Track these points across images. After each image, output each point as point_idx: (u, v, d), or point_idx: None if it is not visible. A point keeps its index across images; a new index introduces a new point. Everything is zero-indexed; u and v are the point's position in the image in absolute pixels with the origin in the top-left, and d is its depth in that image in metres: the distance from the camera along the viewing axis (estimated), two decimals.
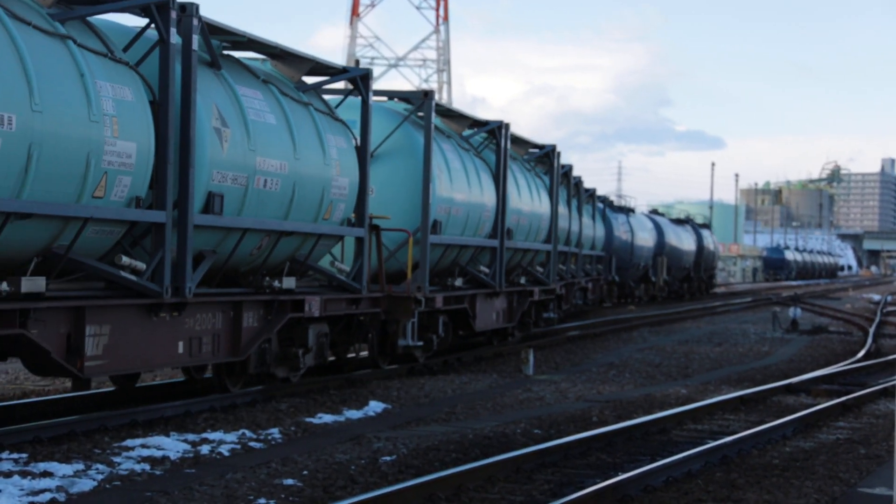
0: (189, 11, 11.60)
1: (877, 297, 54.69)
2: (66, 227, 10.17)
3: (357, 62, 16.31)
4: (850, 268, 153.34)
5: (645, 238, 42.19)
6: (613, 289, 38.73)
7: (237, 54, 13.74)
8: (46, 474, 9.25)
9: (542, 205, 23.49)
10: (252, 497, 8.75)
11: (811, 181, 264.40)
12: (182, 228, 11.51)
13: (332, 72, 14.81)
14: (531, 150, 24.37)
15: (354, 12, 78.88)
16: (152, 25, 11.42)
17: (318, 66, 14.56)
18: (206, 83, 12.19)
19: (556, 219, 24.68)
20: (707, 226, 57.92)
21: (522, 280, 22.19)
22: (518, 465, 9.93)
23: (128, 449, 10.39)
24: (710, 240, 54.41)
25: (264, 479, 9.37)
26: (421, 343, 16.95)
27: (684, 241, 49.26)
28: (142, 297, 11.08)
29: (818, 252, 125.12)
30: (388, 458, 10.39)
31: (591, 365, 20.10)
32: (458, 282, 18.66)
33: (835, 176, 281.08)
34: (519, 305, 21.84)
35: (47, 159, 9.72)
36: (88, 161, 10.15)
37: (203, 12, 11.84)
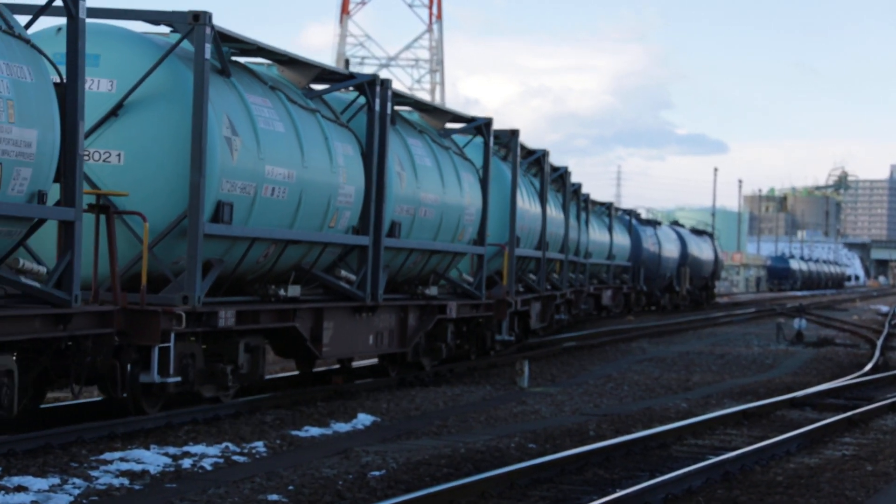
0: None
1: (885, 309, 54.53)
2: (312, 250, 14.07)
3: (347, 62, 15.55)
4: (857, 278, 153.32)
5: (670, 249, 45.30)
6: (641, 297, 41.78)
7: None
8: (21, 489, 9.04)
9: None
10: None
11: (817, 188, 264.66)
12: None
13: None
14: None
15: (344, 10, 78.76)
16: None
17: (324, 73, 14.78)
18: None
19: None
20: (711, 234, 59.54)
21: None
22: (512, 480, 9.76)
23: (106, 462, 10.17)
24: (719, 249, 58.16)
25: (248, 495, 9.18)
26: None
27: (703, 251, 52.30)
28: (350, 300, 14.93)
29: (824, 261, 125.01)
30: (377, 473, 10.18)
31: (588, 377, 19.82)
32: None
33: (842, 182, 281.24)
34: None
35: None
36: (329, 201, 14.08)
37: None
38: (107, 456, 10.32)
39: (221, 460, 10.54)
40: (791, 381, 19.96)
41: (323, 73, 14.73)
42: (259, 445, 11.32)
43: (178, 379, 11.99)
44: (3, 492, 8.88)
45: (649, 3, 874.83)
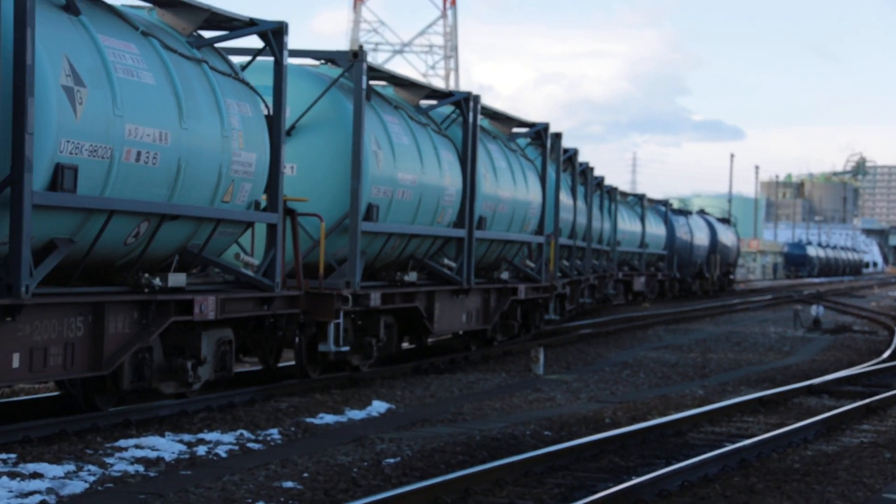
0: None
1: None
2: (424, 242, 15.84)
3: (361, 47, 15.37)
4: (875, 264, 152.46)
5: (701, 238, 47.51)
6: (675, 284, 44.15)
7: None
8: (36, 475, 9.05)
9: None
10: (250, 500, 8.55)
11: (835, 173, 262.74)
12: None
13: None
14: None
15: None
16: None
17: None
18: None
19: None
20: (729, 221, 60.30)
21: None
22: (527, 467, 9.72)
23: (121, 449, 10.16)
24: (736, 237, 60.07)
25: (263, 482, 9.17)
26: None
27: (729, 239, 54.16)
28: (451, 284, 17.08)
29: (842, 248, 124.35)
30: (391, 461, 10.14)
31: (603, 364, 19.75)
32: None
33: (860, 168, 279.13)
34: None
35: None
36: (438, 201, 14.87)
37: None
38: (122, 443, 10.33)
39: (236, 447, 10.53)
40: (808, 368, 19.86)
41: (431, 92, 17.47)
42: (274, 433, 11.31)
43: (347, 348, 14.70)
44: (18, 478, 8.91)
45: None
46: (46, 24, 9.82)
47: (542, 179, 21.94)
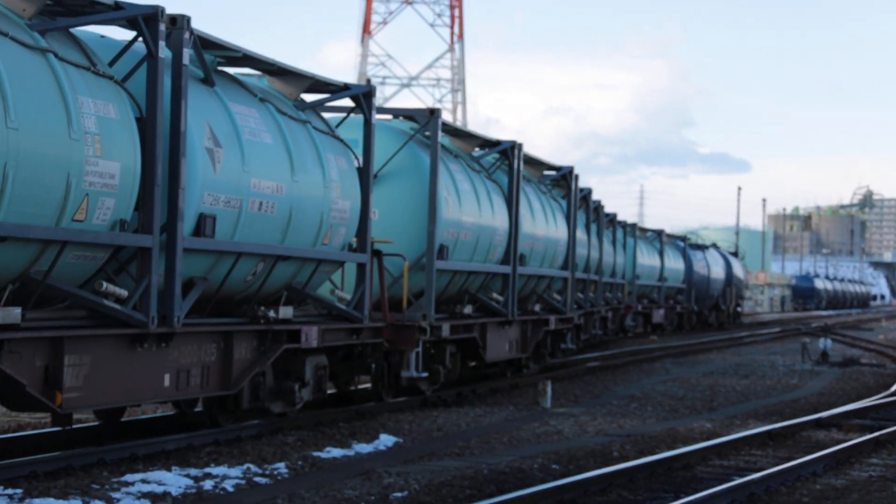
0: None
1: None
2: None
3: (368, 81, 16.18)
4: (882, 297, 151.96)
5: (717, 271, 49.46)
6: (693, 316, 46.02)
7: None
8: None
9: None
10: None
11: (842, 206, 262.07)
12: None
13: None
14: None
15: (366, 30, 78.81)
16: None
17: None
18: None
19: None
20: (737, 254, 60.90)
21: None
22: (535, 501, 9.66)
23: (127, 484, 10.11)
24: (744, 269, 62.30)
25: None
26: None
27: (741, 271, 55.91)
28: (498, 316, 17.96)
29: (849, 280, 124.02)
30: (399, 495, 10.08)
31: (611, 397, 19.68)
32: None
33: (867, 201, 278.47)
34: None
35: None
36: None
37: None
38: (128, 478, 10.27)
39: (243, 482, 10.48)
40: (817, 402, 19.75)
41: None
42: (281, 467, 11.25)
43: (426, 374, 16.32)
44: None
45: (671, 19, 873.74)
46: (193, 96, 11.53)
47: (568, 218, 23.72)
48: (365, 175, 14.61)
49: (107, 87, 10.35)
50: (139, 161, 10.58)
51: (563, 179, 24.31)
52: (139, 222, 10.68)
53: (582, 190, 27.06)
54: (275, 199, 12.57)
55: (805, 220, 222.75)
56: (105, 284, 10.45)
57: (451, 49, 78.82)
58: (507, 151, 19.75)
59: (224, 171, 11.83)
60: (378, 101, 16.55)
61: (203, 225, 11.46)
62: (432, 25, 79.27)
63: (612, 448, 13.38)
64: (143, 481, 10.22)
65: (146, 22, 10.70)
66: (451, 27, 78.89)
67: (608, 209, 32.51)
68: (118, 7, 10.62)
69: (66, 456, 10.67)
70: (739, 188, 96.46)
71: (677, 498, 10.20)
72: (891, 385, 22.55)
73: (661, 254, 40.94)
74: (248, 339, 12.52)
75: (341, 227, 13.96)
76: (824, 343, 30.81)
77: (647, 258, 38.78)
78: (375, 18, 79.23)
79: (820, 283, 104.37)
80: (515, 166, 19.71)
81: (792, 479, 11.47)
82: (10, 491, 9.54)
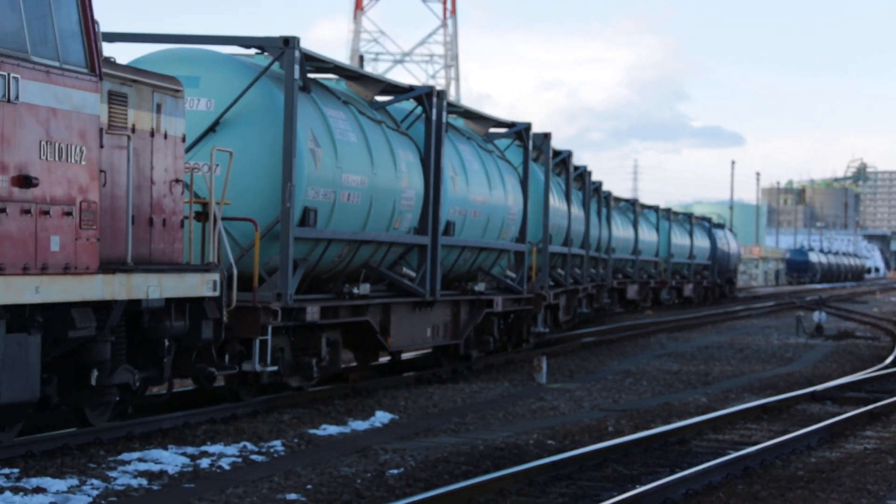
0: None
1: None
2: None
3: (361, 57, 17.19)
4: (877, 270, 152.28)
5: (733, 247, 56.11)
6: (715, 289, 51.31)
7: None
8: (39, 490, 9.03)
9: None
10: None
11: (836, 179, 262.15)
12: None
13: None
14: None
15: (358, 6, 78.35)
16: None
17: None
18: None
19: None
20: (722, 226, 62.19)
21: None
22: (531, 477, 9.71)
23: (124, 463, 10.15)
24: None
25: (266, 494, 9.15)
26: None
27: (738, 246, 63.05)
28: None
29: (844, 254, 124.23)
30: (395, 472, 10.13)
31: (606, 372, 19.73)
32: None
33: (861, 174, 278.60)
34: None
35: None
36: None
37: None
38: (125, 456, 10.31)
39: (239, 460, 10.52)
40: (811, 375, 19.83)
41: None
42: (277, 444, 11.29)
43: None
44: (21, 493, 8.88)
45: None
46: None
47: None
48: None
49: (406, 140, 16.31)
50: (423, 188, 16.43)
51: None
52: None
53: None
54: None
55: (799, 194, 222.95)
56: (404, 268, 16.09)
57: (444, 25, 78.49)
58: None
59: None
60: None
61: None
62: (425, 1, 78.92)
63: (608, 423, 13.43)
64: (140, 460, 10.26)
65: (426, 97, 16.68)
66: (444, 3, 78.54)
67: (606, 187, 32.07)
68: (411, 89, 16.71)
69: (63, 435, 10.70)
70: (733, 162, 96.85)
71: (673, 472, 10.25)
72: (885, 358, 22.64)
73: (690, 234, 46.57)
74: (466, 306, 18.14)
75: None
76: (819, 316, 30.90)
77: (679, 238, 44.58)
78: None
79: (814, 257, 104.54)
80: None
81: (787, 453, 11.52)
82: (6, 470, 9.58)
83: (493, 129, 20.61)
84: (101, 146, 10.14)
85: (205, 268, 11.62)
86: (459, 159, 18.06)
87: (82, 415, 10.95)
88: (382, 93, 16.47)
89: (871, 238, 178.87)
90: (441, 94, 16.94)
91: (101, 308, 10.20)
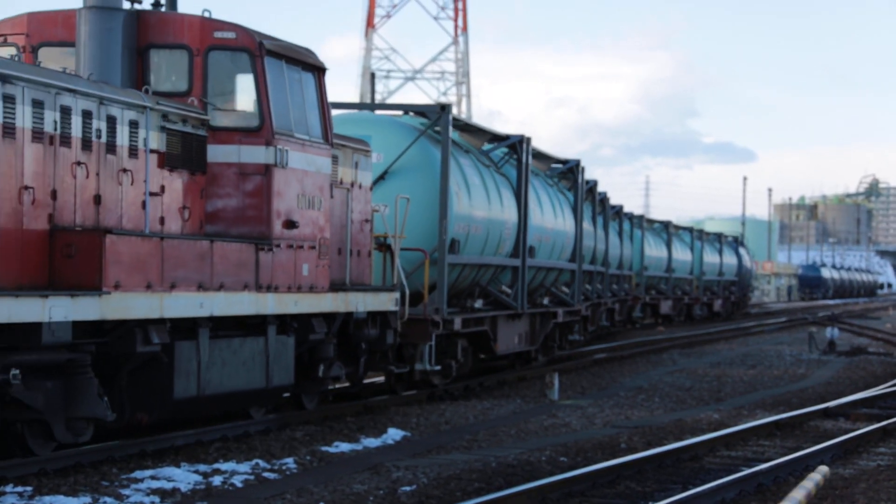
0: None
1: None
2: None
3: (373, 75, 19.13)
4: (890, 286, 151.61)
5: (748, 263, 57.96)
6: (741, 304, 54.76)
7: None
8: None
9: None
10: None
11: (848, 195, 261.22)
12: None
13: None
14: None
15: (369, 23, 78.61)
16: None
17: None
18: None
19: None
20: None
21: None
22: (543, 494, 9.69)
23: (137, 481, 10.15)
24: None
25: None
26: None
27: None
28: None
29: (856, 269, 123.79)
30: (407, 489, 10.11)
31: (618, 389, 19.70)
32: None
33: (873, 189, 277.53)
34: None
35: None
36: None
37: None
38: (137, 474, 10.32)
39: (252, 477, 10.52)
40: (824, 391, 19.75)
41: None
42: (289, 462, 11.29)
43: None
44: None
45: (674, 10, 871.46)
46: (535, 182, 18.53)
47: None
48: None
49: (503, 179, 19.69)
50: (516, 218, 19.52)
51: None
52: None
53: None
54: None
55: (811, 210, 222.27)
56: (502, 286, 19.28)
57: (455, 42, 78.71)
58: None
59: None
60: (382, 94, 17.56)
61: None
62: (436, 18, 79.18)
63: (620, 440, 13.39)
64: (153, 477, 10.26)
65: (519, 144, 20.08)
66: (455, 20, 78.77)
67: (614, 201, 32.90)
68: (507, 137, 20.08)
69: (76, 453, 10.71)
70: (745, 178, 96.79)
71: (686, 489, 10.22)
72: None
73: (720, 252, 49.32)
74: (538, 317, 21.39)
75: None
76: (831, 332, 30.78)
77: (710, 256, 47.70)
78: (379, 12, 79.16)
79: (826, 273, 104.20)
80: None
81: (800, 469, 11.47)
82: (20, 489, 9.59)
83: (540, 164, 23.83)
84: (332, 196, 13.36)
85: (390, 288, 14.84)
86: (536, 194, 21.70)
87: (298, 400, 13.83)
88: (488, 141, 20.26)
89: (883, 254, 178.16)
90: (528, 141, 20.59)
91: (327, 317, 13.35)
